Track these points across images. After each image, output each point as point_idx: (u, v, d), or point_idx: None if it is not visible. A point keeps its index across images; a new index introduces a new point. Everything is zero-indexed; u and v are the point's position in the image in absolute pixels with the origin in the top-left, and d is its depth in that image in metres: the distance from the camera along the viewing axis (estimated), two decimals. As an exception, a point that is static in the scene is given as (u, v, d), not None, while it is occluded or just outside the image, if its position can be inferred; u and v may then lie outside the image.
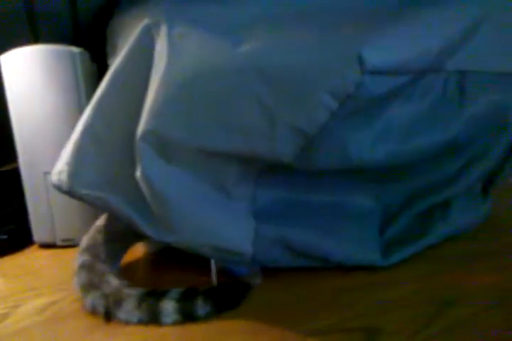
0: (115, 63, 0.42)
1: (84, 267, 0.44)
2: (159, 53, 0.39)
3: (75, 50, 0.51)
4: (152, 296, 0.41)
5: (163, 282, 0.46)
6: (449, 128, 0.44)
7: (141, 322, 0.41)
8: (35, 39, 0.61)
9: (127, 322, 0.41)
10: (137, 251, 0.52)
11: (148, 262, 0.52)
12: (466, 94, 0.44)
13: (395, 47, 0.37)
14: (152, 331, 0.40)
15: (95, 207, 0.43)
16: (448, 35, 0.41)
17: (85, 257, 0.45)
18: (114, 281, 0.43)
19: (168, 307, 0.41)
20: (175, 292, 0.42)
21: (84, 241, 0.47)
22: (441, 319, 0.40)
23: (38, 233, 0.55)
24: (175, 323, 0.41)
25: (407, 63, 0.38)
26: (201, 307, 0.41)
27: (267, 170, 0.43)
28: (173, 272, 0.48)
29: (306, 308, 0.42)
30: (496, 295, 0.43)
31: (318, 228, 0.46)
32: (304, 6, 0.40)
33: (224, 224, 0.42)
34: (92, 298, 0.42)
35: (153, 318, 0.40)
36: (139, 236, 0.44)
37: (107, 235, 0.46)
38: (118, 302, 0.41)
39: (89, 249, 0.45)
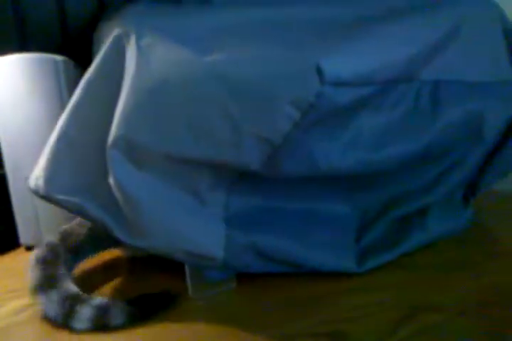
0: (88, 71, 0.43)
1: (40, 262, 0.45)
2: (129, 62, 0.40)
3: (58, 58, 0.53)
4: (75, 299, 0.42)
5: (137, 287, 0.48)
6: (422, 138, 0.44)
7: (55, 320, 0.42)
8: (23, 47, 0.63)
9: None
10: (115, 255, 0.53)
11: (127, 267, 0.53)
12: (439, 104, 0.45)
13: (357, 58, 0.38)
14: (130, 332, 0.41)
15: (70, 211, 0.44)
16: (420, 46, 0.42)
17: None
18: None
19: (84, 312, 0.41)
20: (98, 299, 0.42)
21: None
22: (408, 325, 0.40)
23: (24, 235, 0.57)
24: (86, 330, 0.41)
25: (370, 74, 0.38)
26: (115, 317, 0.41)
27: (240, 177, 0.43)
28: (148, 277, 0.49)
29: (276, 313, 0.43)
30: (466, 303, 0.43)
31: (291, 235, 0.46)
32: (269, 17, 0.41)
33: (196, 230, 0.43)
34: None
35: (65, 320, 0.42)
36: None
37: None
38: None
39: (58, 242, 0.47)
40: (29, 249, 0.57)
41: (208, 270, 0.46)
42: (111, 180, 0.42)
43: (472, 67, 0.47)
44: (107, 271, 0.52)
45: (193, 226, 0.43)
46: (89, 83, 0.43)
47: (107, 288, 0.48)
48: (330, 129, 0.40)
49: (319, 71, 0.35)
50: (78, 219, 0.49)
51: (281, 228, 0.46)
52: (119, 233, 0.43)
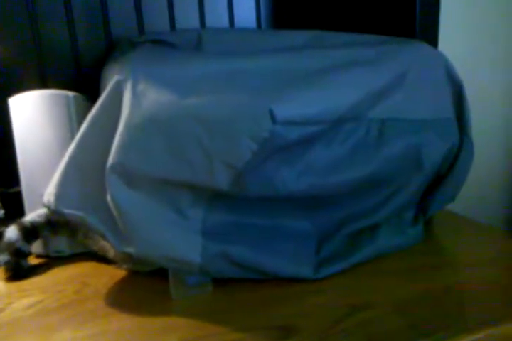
0: (93, 108, 0.53)
1: None
2: (125, 103, 0.50)
3: (70, 94, 0.62)
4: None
5: (129, 286, 0.57)
6: (368, 167, 0.53)
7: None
8: (43, 83, 0.73)
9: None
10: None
11: (117, 273, 0.61)
12: (384, 138, 0.54)
13: (304, 103, 0.47)
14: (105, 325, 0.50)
15: (75, 223, 0.53)
16: (364, 92, 0.51)
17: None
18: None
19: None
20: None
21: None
22: (349, 319, 0.48)
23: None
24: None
25: (315, 116, 0.48)
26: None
27: (216, 196, 0.52)
28: (141, 280, 0.58)
29: (241, 310, 0.51)
30: (398, 303, 0.50)
31: (259, 246, 0.54)
32: (240, 67, 0.51)
33: (177, 240, 0.51)
34: None
35: None
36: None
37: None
38: None
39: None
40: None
41: (187, 275, 0.55)
42: (108, 198, 0.51)
43: (415, 107, 0.56)
44: (108, 274, 0.61)
45: (174, 237, 0.51)
46: (93, 118, 0.52)
47: (104, 286, 0.57)
48: (286, 158, 0.49)
49: (271, 113, 0.45)
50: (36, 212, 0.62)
51: (250, 240, 0.54)
52: (113, 241, 0.51)
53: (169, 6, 0.81)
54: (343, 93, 0.50)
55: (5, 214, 0.69)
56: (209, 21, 0.85)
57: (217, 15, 0.85)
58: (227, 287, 0.55)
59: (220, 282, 0.56)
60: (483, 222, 0.69)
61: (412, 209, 0.63)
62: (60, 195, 0.53)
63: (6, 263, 0.60)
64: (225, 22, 0.86)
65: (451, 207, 0.69)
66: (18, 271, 0.61)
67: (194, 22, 0.84)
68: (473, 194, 1.14)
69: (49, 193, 0.53)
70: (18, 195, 0.66)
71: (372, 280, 0.55)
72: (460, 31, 1.06)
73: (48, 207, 0.54)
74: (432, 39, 0.71)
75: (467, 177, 0.64)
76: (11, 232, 0.61)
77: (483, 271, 0.56)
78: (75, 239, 0.62)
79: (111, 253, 0.59)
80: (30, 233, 0.62)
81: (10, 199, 0.70)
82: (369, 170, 0.53)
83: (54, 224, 0.62)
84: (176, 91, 0.48)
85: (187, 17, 0.83)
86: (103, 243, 0.59)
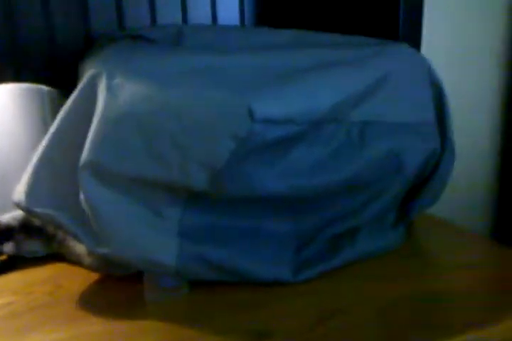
0: (67, 103, 0.51)
1: None
2: (100, 97, 0.48)
3: (45, 88, 0.61)
4: None
5: (103, 287, 0.55)
6: (349, 169, 0.52)
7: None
8: (16, 77, 0.71)
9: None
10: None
11: (91, 275, 0.59)
12: (365, 140, 0.53)
13: (284, 102, 0.46)
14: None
15: (45, 222, 0.51)
16: (345, 93, 0.50)
17: None
18: None
19: None
20: None
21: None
22: (325, 324, 0.47)
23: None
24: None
25: (295, 116, 0.47)
26: None
27: (194, 197, 0.50)
28: (110, 282, 0.56)
29: (217, 314, 0.50)
30: (375, 308, 0.50)
31: (237, 248, 0.52)
32: (219, 63, 0.50)
33: (152, 241, 0.50)
34: None
35: None
36: None
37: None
38: None
39: None
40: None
41: (162, 277, 0.53)
42: (81, 196, 0.49)
43: (396, 110, 0.55)
44: (83, 275, 0.59)
45: (149, 238, 0.49)
46: (66, 113, 0.50)
47: (78, 289, 0.55)
48: (266, 158, 0.48)
49: (250, 111, 0.44)
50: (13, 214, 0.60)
51: (228, 242, 0.52)
52: (85, 241, 0.50)
53: (150, 2, 0.80)
54: (323, 93, 0.49)
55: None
56: (191, 18, 0.84)
57: (199, 12, 0.84)
58: (204, 289, 0.54)
59: (196, 284, 0.54)
60: (467, 226, 0.69)
61: (393, 212, 0.62)
62: (31, 192, 0.51)
63: None
64: (207, 19, 0.85)
65: (433, 210, 0.69)
66: None
67: (176, 18, 0.83)
68: (456, 197, 1.13)
69: (19, 191, 0.52)
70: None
71: (352, 284, 0.55)
72: (444, 34, 1.06)
73: (18, 204, 0.52)
74: (415, 42, 0.70)
75: (449, 180, 0.64)
76: None
77: (464, 274, 0.56)
78: (49, 247, 0.61)
79: (87, 261, 0.57)
80: (3, 234, 0.60)
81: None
82: (350, 173, 0.52)
83: (29, 229, 0.60)
84: (153, 85, 0.47)
85: (169, 13, 0.82)
86: (78, 251, 0.58)
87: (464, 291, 0.52)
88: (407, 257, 0.60)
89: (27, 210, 0.51)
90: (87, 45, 0.76)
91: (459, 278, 0.55)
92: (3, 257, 0.62)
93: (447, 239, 0.65)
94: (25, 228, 0.60)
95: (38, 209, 0.51)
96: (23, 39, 0.72)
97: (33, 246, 0.62)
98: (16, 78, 0.72)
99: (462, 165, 1.13)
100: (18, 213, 0.60)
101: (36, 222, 0.60)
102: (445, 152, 0.61)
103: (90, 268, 0.57)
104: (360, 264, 0.58)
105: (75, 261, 0.59)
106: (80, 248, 0.58)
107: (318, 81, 0.49)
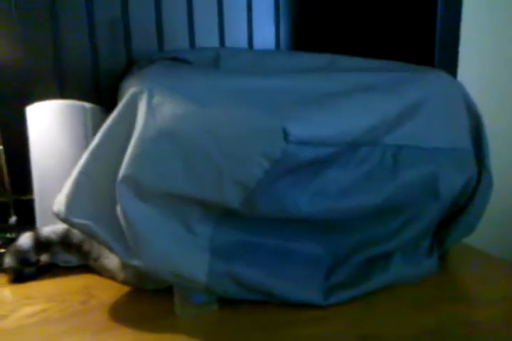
0: (108, 120, 0.53)
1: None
2: (140, 115, 0.50)
3: (87, 105, 0.63)
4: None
5: (136, 302, 0.56)
6: (382, 192, 0.52)
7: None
8: (61, 94, 0.75)
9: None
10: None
11: (123, 287, 0.60)
12: (399, 165, 0.53)
13: (318, 124, 0.47)
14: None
15: (83, 233, 0.53)
16: (379, 118, 0.51)
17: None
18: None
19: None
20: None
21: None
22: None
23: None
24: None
25: (328, 138, 0.47)
26: None
27: (225, 214, 0.51)
28: (141, 295, 0.58)
29: (242, 333, 0.50)
30: (405, 336, 0.49)
31: (267, 268, 0.52)
32: (256, 86, 0.51)
33: (184, 256, 0.50)
34: None
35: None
36: None
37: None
38: None
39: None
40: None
41: (193, 292, 0.54)
42: (118, 209, 0.51)
43: (431, 136, 0.55)
44: (115, 287, 0.60)
45: (181, 253, 0.50)
46: (107, 129, 0.53)
47: (109, 299, 0.57)
48: (300, 179, 0.49)
49: (285, 132, 0.45)
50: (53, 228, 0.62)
51: (259, 261, 0.53)
52: (119, 252, 0.51)
53: (190, 26, 0.83)
54: (357, 117, 0.50)
55: (17, 220, 0.70)
56: (228, 42, 0.86)
57: (236, 36, 0.87)
58: (233, 307, 0.54)
59: (226, 301, 0.54)
60: (503, 258, 0.67)
61: (428, 240, 0.61)
62: (70, 204, 0.53)
63: (10, 269, 0.61)
64: (244, 43, 0.87)
65: (469, 240, 0.68)
66: (20, 277, 0.62)
67: (214, 42, 0.86)
68: (493, 228, 1.11)
69: (59, 202, 0.54)
70: (31, 203, 0.66)
71: (384, 310, 0.54)
72: (479, 60, 1.06)
73: (57, 214, 0.54)
74: (451, 68, 0.71)
75: (485, 210, 0.63)
76: (24, 240, 0.61)
77: (499, 307, 0.54)
78: (85, 262, 0.63)
79: (120, 276, 0.59)
80: (42, 246, 0.62)
81: (22, 207, 0.71)
82: (383, 196, 0.52)
83: (68, 244, 0.62)
84: (191, 104, 0.49)
85: (207, 37, 0.85)
86: (112, 267, 0.60)
87: (499, 324, 0.51)
88: (442, 285, 0.59)
89: (65, 220, 0.53)
90: (128, 67, 0.79)
91: (494, 310, 0.54)
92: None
93: (482, 270, 0.63)
94: (64, 244, 0.62)
95: (76, 220, 0.52)
96: (68, 59, 0.76)
97: (68, 257, 0.65)
98: (60, 95, 0.76)
99: (499, 195, 1.11)
100: (59, 227, 0.62)
101: (74, 239, 0.62)
102: (482, 181, 0.61)
103: (123, 283, 0.59)
104: (391, 290, 0.57)
105: (108, 277, 0.61)
106: (113, 264, 0.60)
107: (353, 104, 0.50)
